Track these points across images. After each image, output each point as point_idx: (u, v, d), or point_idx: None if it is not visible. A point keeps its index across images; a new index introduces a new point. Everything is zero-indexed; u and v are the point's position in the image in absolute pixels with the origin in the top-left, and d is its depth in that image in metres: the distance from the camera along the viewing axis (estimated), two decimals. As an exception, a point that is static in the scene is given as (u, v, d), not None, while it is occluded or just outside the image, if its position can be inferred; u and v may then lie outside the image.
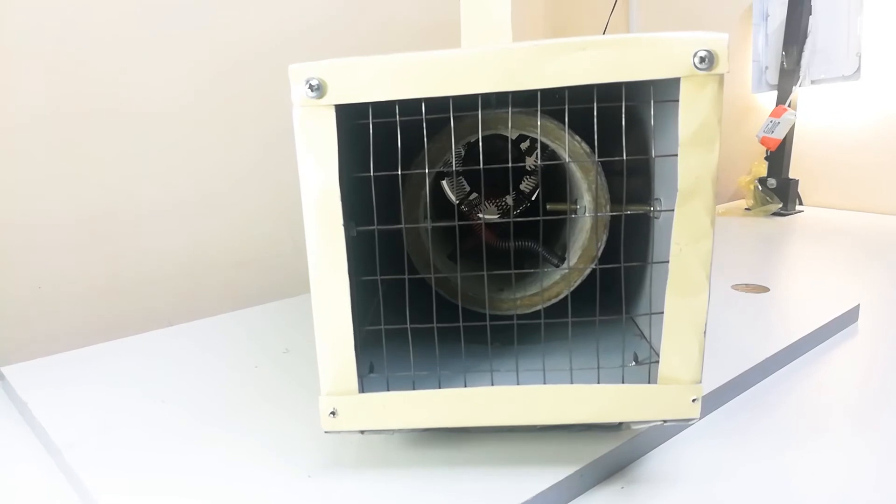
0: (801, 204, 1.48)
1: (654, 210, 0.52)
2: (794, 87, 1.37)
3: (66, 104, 0.91)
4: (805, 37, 1.36)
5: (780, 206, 1.40)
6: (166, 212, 1.03)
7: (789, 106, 1.36)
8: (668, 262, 0.43)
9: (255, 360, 0.70)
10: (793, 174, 1.43)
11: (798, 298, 0.84)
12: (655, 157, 0.42)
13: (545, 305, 0.53)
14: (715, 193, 0.42)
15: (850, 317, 0.78)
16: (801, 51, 1.36)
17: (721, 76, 0.41)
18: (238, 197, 1.10)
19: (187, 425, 0.57)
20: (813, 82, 1.38)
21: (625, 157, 0.43)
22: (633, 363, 0.52)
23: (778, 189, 1.41)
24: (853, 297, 0.83)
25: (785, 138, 1.35)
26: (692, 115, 0.41)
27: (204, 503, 0.46)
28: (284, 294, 0.93)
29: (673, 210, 0.42)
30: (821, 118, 1.46)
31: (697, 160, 0.41)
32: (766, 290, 0.87)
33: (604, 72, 0.40)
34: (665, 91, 0.44)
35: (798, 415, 0.60)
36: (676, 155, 0.42)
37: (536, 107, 0.48)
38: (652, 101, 0.43)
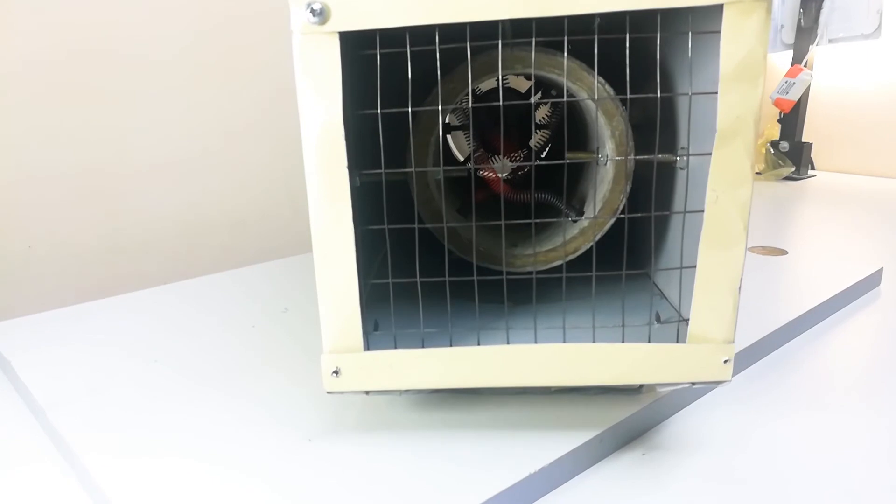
0: (813, 168, 1.44)
1: (681, 157, 0.49)
2: (810, 47, 1.32)
3: (55, 52, 0.86)
4: (824, -7, 1.31)
5: (793, 169, 1.36)
6: (162, 168, 0.98)
7: (805, 66, 1.31)
8: (702, 211, 0.40)
9: (253, 320, 0.66)
10: (806, 137, 1.38)
11: (817, 262, 0.81)
12: (693, 94, 0.39)
13: (566, 260, 0.49)
14: (757, 135, 0.38)
15: (872, 280, 0.75)
16: (819, 8, 1.31)
17: (769, 3, 0.37)
18: (237, 154, 1.06)
19: (180, 386, 0.53)
20: (831, 41, 1.33)
21: (658, 95, 0.39)
22: (657, 323, 0.49)
23: (791, 152, 1.37)
24: (873, 260, 0.79)
25: (799, 100, 1.31)
26: (735, 46, 0.37)
27: (196, 467, 0.43)
28: (284, 255, 0.90)
29: (710, 154, 0.39)
30: (838, 79, 1.42)
31: (739, 97, 0.37)
32: (784, 252, 0.83)
33: (639, -4, 0.36)
34: (701, 23, 0.40)
35: (822, 379, 0.57)
36: (716, 93, 0.38)
37: (556, 42, 0.44)
38: (690, 33, 0.39)
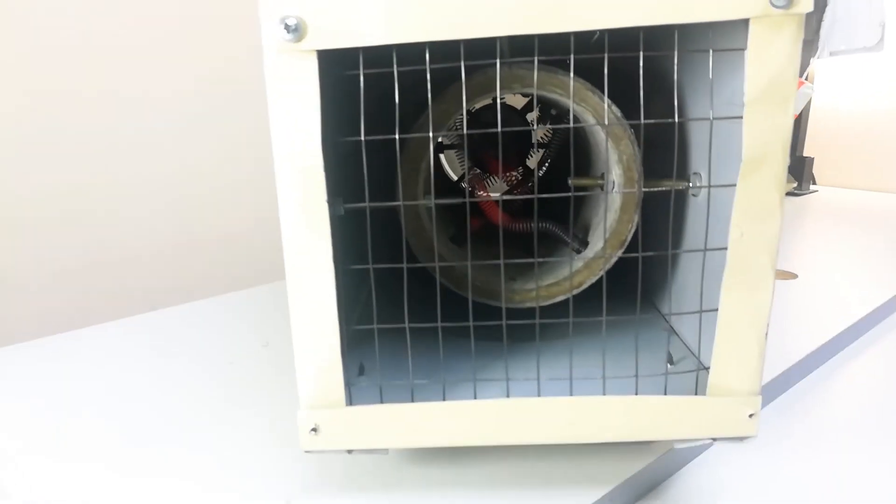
0: (814, 183, 1.41)
1: (694, 186, 0.45)
2: (811, 59, 1.28)
3: (33, 64, 0.81)
4: (825, 4, 1.27)
5: (795, 185, 1.33)
6: (147, 188, 0.93)
7: (806, 79, 1.28)
8: (725, 248, 0.35)
9: (231, 355, 0.62)
10: (807, 152, 1.35)
11: (831, 286, 0.77)
12: (715, 119, 0.34)
13: (571, 294, 0.45)
14: (786, 164, 0.34)
15: (890, 307, 0.71)
16: (820, 20, 1.28)
17: (801, 17, 0.33)
18: (227, 172, 1.01)
19: (143, 435, 0.49)
20: (832, 54, 1.29)
21: (676, 120, 0.35)
22: (669, 364, 0.45)
23: (792, 168, 1.33)
24: (887, 284, 0.75)
25: (800, 114, 1.28)
26: (763, 66, 0.33)
27: (160, 536, 0.38)
28: (277, 277, 0.85)
29: (733, 185, 0.34)
30: (839, 92, 1.39)
31: (768, 122, 0.33)
32: (794, 276, 0.79)
33: (656, 11, 0.32)
34: (721, 39, 0.36)
35: (848, 417, 0.52)
36: (740, 117, 0.34)
37: (558, 59, 0.40)
38: (710, 51, 0.35)
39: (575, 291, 0.47)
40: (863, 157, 1.39)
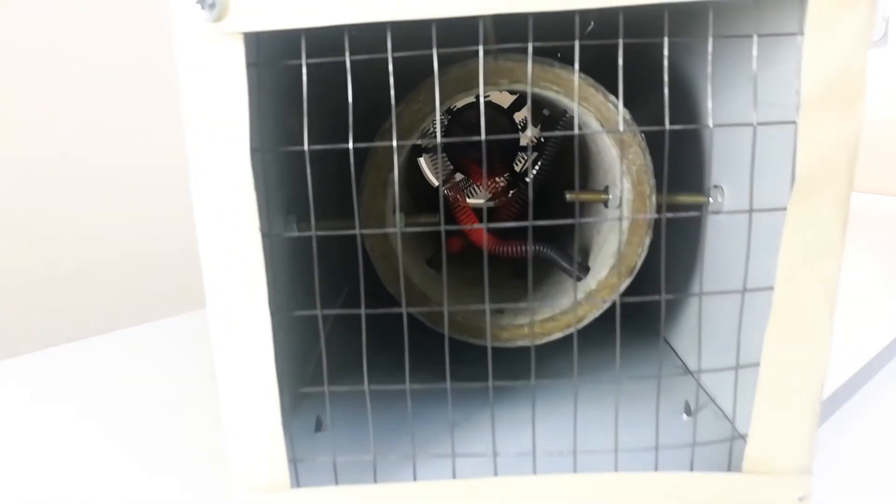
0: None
1: (716, 202, 0.37)
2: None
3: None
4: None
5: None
6: (111, 188, 0.85)
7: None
8: (770, 288, 0.28)
9: (181, 390, 0.53)
10: (807, 152, 1.29)
11: (847, 306, 0.70)
12: (759, 124, 0.27)
13: (575, 328, 0.37)
14: (852, 183, 0.27)
15: (916, 327, 0.64)
16: (821, 13, 1.22)
17: (875, -8, 0.25)
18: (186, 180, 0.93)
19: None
20: (834, 49, 1.23)
21: (711, 125, 0.28)
22: (685, 416, 0.37)
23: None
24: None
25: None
26: (825, 55, 0.25)
27: None
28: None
29: (783, 209, 0.27)
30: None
31: (829, 129, 0.26)
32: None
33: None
34: (767, 21, 0.28)
35: (880, 468, 0.45)
36: (793, 122, 0.26)
37: (550, 49, 0.33)
38: (755, 36, 0.27)
39: (578, 326, 0.39)
40: (869, 157, 1.33)
